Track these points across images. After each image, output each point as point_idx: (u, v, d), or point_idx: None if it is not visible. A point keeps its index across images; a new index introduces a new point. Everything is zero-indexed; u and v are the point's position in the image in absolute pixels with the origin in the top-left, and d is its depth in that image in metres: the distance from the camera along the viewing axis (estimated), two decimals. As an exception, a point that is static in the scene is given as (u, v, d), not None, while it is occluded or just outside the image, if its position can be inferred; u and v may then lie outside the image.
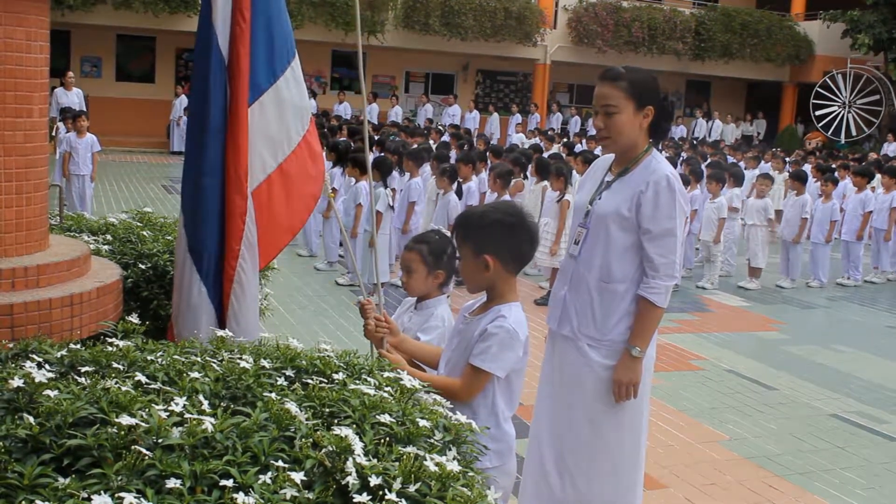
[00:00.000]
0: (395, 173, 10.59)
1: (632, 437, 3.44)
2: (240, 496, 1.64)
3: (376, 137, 13.75)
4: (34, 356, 2.26)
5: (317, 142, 3.66)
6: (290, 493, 1.69)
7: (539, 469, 3.43)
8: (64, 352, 2.33)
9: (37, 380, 1.98)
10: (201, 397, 2.02)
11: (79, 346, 2.38)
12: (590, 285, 3.34)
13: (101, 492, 1.60)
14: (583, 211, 3.43)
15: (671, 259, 3.26)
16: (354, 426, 1.98)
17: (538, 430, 3.49)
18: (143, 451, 1.72)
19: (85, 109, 14.51)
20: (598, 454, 3.37)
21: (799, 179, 11.15)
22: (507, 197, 9.20)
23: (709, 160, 14.58)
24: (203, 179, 3.32)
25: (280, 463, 1.77)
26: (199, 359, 2.37)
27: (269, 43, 3.43)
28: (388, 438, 1.97)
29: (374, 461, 1.83)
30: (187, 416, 1.88)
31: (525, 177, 10.86)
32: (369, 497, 1.71)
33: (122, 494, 1.59)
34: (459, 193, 9.42)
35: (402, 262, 3.41)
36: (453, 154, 12.64)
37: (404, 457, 1.86)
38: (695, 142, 22.85)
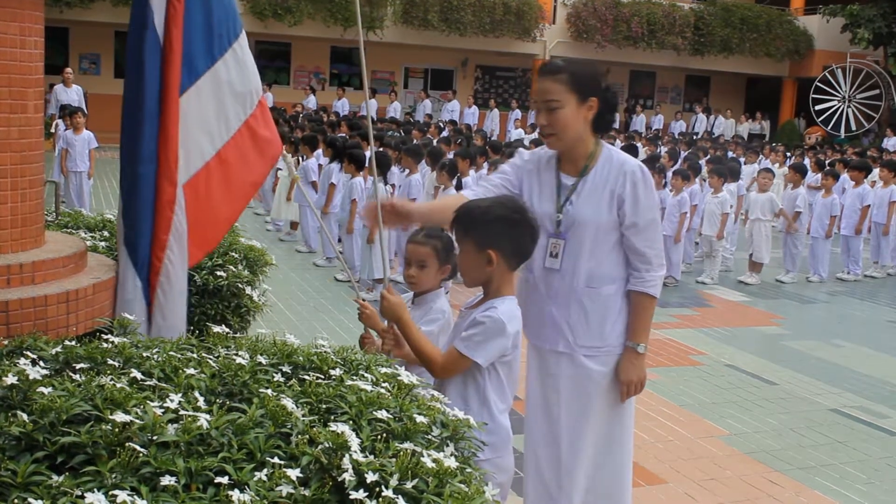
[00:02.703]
0: (395, 169, 10.58)
1: (629, 435, 3.42)
2: (235, 493, 1.63)
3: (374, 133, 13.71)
4: (29, 353, 2.25)
5: (265, 126, 3.49)
6: (286, 489, 1.68)
7: (542, 486, 3.32)
8: (59, 348, 2.31)
9: (31, 377, 1.97)
10: (197, 394, 2.01)
11: (74, 342, 2.37)
12: (578, 294, 3.22)
13: (95, 489, 1.59)
14: (551, 220, 3.22)
15: (659, 248, 3.21)
16: (351, 422, 1.97)
17: (535, 459, 3.35)
18: (138, 448, 1.71)
19: (84, 106, 14.49)
20: (604, 460, 3.32)
21: (799, 172, 11.15)
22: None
23: (709, 155, 14.58)
24: (139, 167, 3.19)
25: (276, 460, 1.76)
26: (195, 355, 2.35)
27: (206, 24, 3.27)
28: (385, 435, 1.96)
29: (371, 458, 1.82)
30: (182, 412, 1.87)
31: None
32: (366, 494, 1.69)
33: (116, 492, 1.57)
34: (459, 188, 9.40)
35: (414, 255, 3.35)
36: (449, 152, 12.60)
37: (401, 453, 1.85)
38: (694, 137, 22.84)
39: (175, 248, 3.22)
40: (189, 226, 3.30)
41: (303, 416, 1.98)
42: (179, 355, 2.33)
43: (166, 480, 1.64)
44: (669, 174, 11.14)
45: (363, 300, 3.14)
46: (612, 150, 3.26)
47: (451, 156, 10.96)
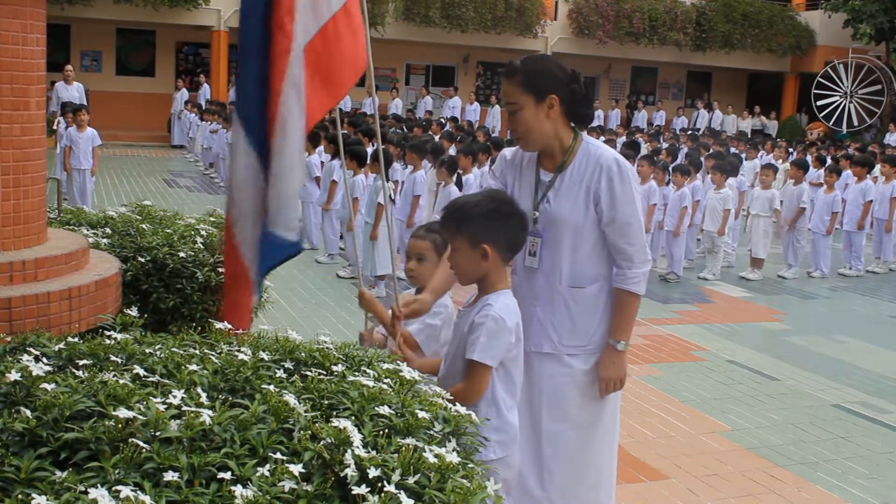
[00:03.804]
0: (397, 165, 10.58)
1: (612, 431, 3.38)
2: (238, 489, 1.63)
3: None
4: (32, 349, 2.25)
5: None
6: (288, 485, 1.68)
7: (522, 488, 3.25)
8: (62, 345, 2.31)
9: (34, 373, 1.97)
10: (199, 390, 2.01)
11: (77, 339, 2.37)
12: (562, 295, 3.18)
13: (99, 485, 1.59)
14: (528, 217, 3.11)
15: (641, 243, 3.13)
16: (353, 418, 1.97)
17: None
18: (141, 444, 1.71)
19: (85, 104, 14.50)
20: (586, 458, 3.28)
21: (801, 168, 11.14)
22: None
23: (711, 150, 14.57)
24: (248, 29, 3.13)
25: (278, 455, 1.76)
26: (197, 351, 2.36)
27: None
28: (387, 430, 1.96)
29: (373, 453, 1.82)
30: (185, 408, 1.87)
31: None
32: (368, 489, 1.70)
33: (119, 488, 1.58)
34: (459, 185, 9.41)
35: (413, 250, 3.37)
36: (451, 149, 12.61)
37: (403, 448, 1.85)
38: (695, 132, 22.80)
39: (293, 98, 3.05)
40: (325, 67, 3.19)
41: (305, 411, 1.99)
42: (182, 352, 2.33)
43: (169, 476, 1.64)
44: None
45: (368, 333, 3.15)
46: (591, 144, 3.18)
47: (452, 152, 10.99)
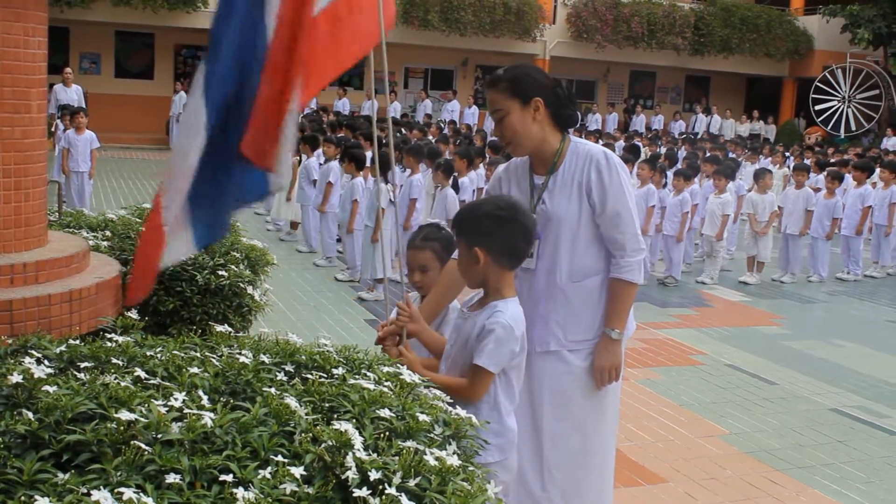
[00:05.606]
0: (395, 168, 10.57)
1: (612, 432, 3.42)
2: (239, 491, 1.64)
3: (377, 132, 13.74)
4: (33, 352, 2.26)
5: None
6: (289, 487, 1.69)
7: (522, 488, 3.29)
8: (63, 347, 2.32)
9: (36, 375, 1.98)
10: (201, 392, 2.01)
11: (78, 341, 2.38)
12: (562, 290, 3.23)
13: (101, 487, 1.60)
14: (532, 225, 3.21)
15: (631, 232, 3.19)
16: (354, 421, 1.98)
17: (518, 459, 3.20)
18: (143, 446, 1.72)
19: (84, 106, 14.50)
20: (587, 458, 3.30)
21: (806, 172, 11.16)
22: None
23: (708, 155, 14.60)
24: None
25: (280, 458, 1.77)
26: (198, 354, 2.36)
27: None
28: (387, 433, 1.97)
29: (374, 456, 1.83)
30: (187, 411, 1.88)
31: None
32: (369, 491, 1.70)
33: (122, 490, 1.58)
34: (456, 188, 9.43)
35: (415, 261, 3.36)
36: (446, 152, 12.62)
37: (404, 451, 1.86)
38: (691, 136, 22.83)
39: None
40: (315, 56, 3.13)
41: (306, 414, 1.99)
42: (183, 354, 2.34)
43: (171, 478, 1.65)
44: (670, 174, 11.16)
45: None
46: (579, 143, 3.27)
47: (447, 155, 11.01)
